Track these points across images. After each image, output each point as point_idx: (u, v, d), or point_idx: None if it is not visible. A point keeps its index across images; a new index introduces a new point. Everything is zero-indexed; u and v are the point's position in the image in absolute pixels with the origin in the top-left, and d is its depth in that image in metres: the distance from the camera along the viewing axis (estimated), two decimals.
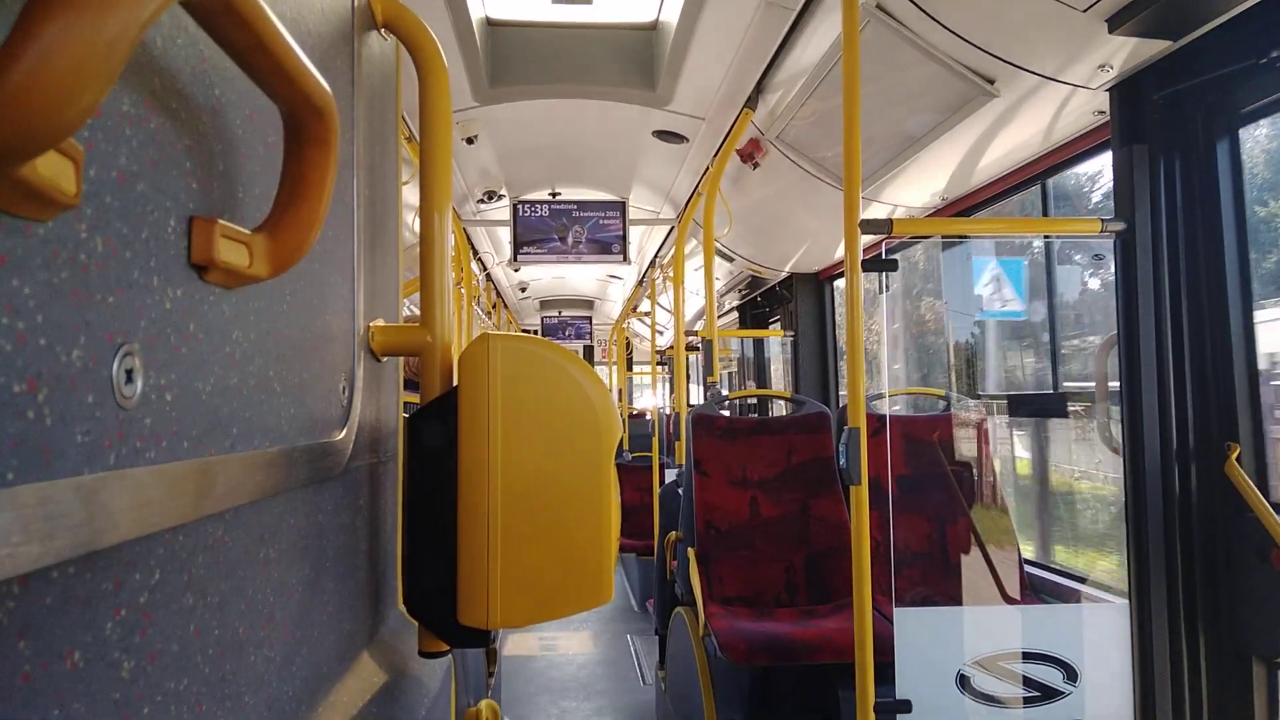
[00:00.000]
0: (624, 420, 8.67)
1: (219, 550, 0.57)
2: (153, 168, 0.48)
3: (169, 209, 0.50)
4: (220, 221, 0.54)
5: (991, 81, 2.26)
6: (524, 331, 10.39)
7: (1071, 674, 2.07)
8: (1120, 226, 1.97)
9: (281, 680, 0.69)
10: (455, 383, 0.91)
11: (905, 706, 2.03)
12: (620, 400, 9.57)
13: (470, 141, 3.77)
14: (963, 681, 2.07)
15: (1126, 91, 2.01)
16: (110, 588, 0.44)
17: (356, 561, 0.95)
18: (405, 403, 1.24)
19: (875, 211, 3.36)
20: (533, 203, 4.70)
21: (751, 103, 3.16)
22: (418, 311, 1.06)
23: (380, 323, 1.03)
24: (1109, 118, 2.08)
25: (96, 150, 0.43)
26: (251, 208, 0.62)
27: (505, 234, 4.99)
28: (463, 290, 4.71)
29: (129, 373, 0.45)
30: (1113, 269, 2.04)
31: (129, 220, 0.46)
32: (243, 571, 0.61)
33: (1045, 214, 2.78)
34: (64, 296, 0.40)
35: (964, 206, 3.13)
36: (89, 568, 0.42)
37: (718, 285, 5.87)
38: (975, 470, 3.09)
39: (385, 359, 1.06)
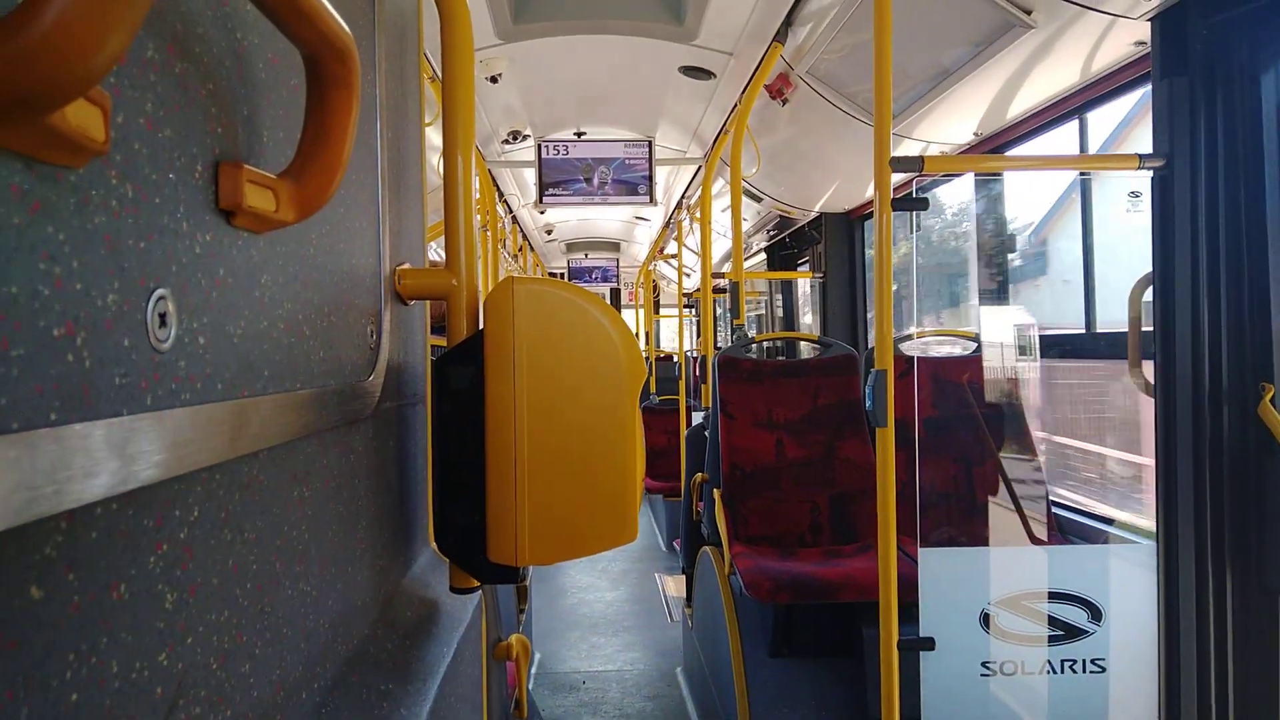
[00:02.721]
0: (651, 363, 8.69)
1: (254, 488, 0.58)
2: (179, 113, 0.49)
3: (195, 154, 0.51)
4: (246, 166, 0.54)
5: (1029, 11, 2.19)
6: (550, 274, 10.39)
7: (1096, 614, 2.09)
8: (1158, 163, 1.92)
9: (317, 613, 0.71)
10: (481, 326, 0.91)
11: (929, 644, 2.06)
12: (647, 343, 9.58)
13: (494, 80, 3.73)
14: (986, 620, 2.09)
15: (1169, 21, 1.93)
16: (151, 524, 0.45)
17: (388, 500, 0.97)
18: (432, 346, 1.26)
19: (908, 149, 3.29)
20: (558, 142, 4.65)
21: (781, 36, 3.08)
22: (444, 255, 1.06)
23: (407, 266, 1.03)
24: (1149, 49, 2.01)
25: (123, 97, 0.43)
26: (276, 152, 0.63)
27: (531, 175, 4.96)
28: (488, 233, 4.71)
29: (162, 316, 0.46)
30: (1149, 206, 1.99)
31: (157, 166, 0.46)
32: (278, 509, 0.63)
33: (1082, 150, 2.71)
34: (97, 242, 0.40)
35: (999, 143, 3.06)
36: (131, 504, 0.43)
37: (745, 226, 5.81)
38: (1005, 411, 3.07)
39: (412, 302, 1.07)
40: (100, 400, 0.40)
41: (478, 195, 4.63)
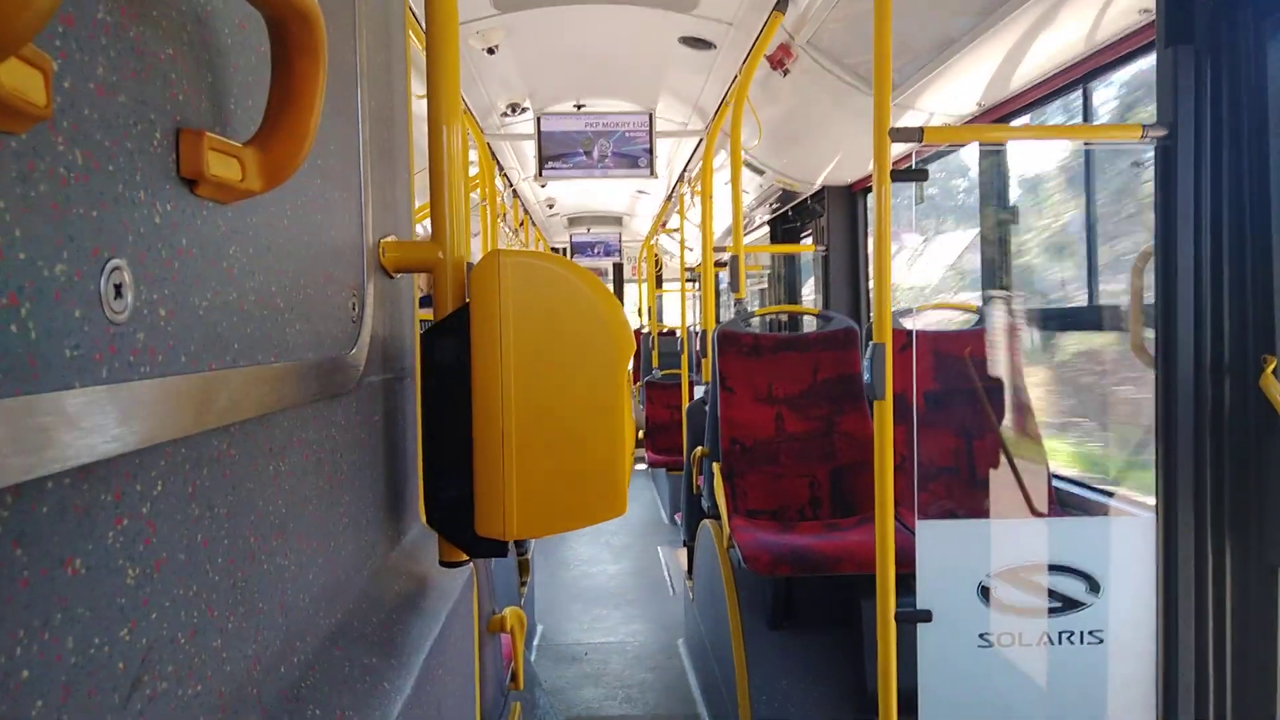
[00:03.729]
0: (653, 338, 8.68)
1: (224, 463, 0.58)
2: (134, 78, 0.47)
3: (154, 121, 0.49)
4: (209, 134, 0.53)
5: None
6: (553, 249, 10.35)
7: (1094, 586, 2.09)
8: (1162, 133, 1.89)
9: (297, 588, 0.71)
10: (467, 299, 0.90)
11: (925, 616, 2.06)
12: (650, 318, 9.56)
13: (491, 52, 3.69)
14: (984, 592, 2.10)
15: None
16: (110, 498, 0.44)
17: (374, 475, 0.97)
18: (422, 320, 1.25)
19: (911, 119, 3.26)
20: (557, 115, 4.61)
21: (781, 5, 3.04)
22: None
23: (392, 239, 1.02)
24: (1154, 17, 1.98)
25: (70, 60, 0.42)
26: (244, 120, 0.61)
27: (530, 148, 4.92)
28: (487, 207, 4.68)
29: (118, 287, 0.45)
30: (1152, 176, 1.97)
31: (110, 132, 0.45)
32: (251, 484, 0.62)
33: (1086, 119, 2.67)
34: (43, 210, 0.39)
35: (1002, 113, 3.02)
36: (86, 478, 0.42)
37: (748, 199, 5.77)
38: (1006, 385, 3.06)
39: (398, 275, 1.06)
40: (49, 372, 0.39)
41: (476, 169, 4.61)
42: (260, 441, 0.64)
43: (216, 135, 0.54)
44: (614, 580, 5.58)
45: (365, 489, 0.93)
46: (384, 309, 1.00)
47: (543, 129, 4.57)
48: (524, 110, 4.73)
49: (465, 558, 1.01)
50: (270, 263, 0.66)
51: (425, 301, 1.38)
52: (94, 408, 0.41)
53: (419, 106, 1.30)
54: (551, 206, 8.60)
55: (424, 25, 0.98)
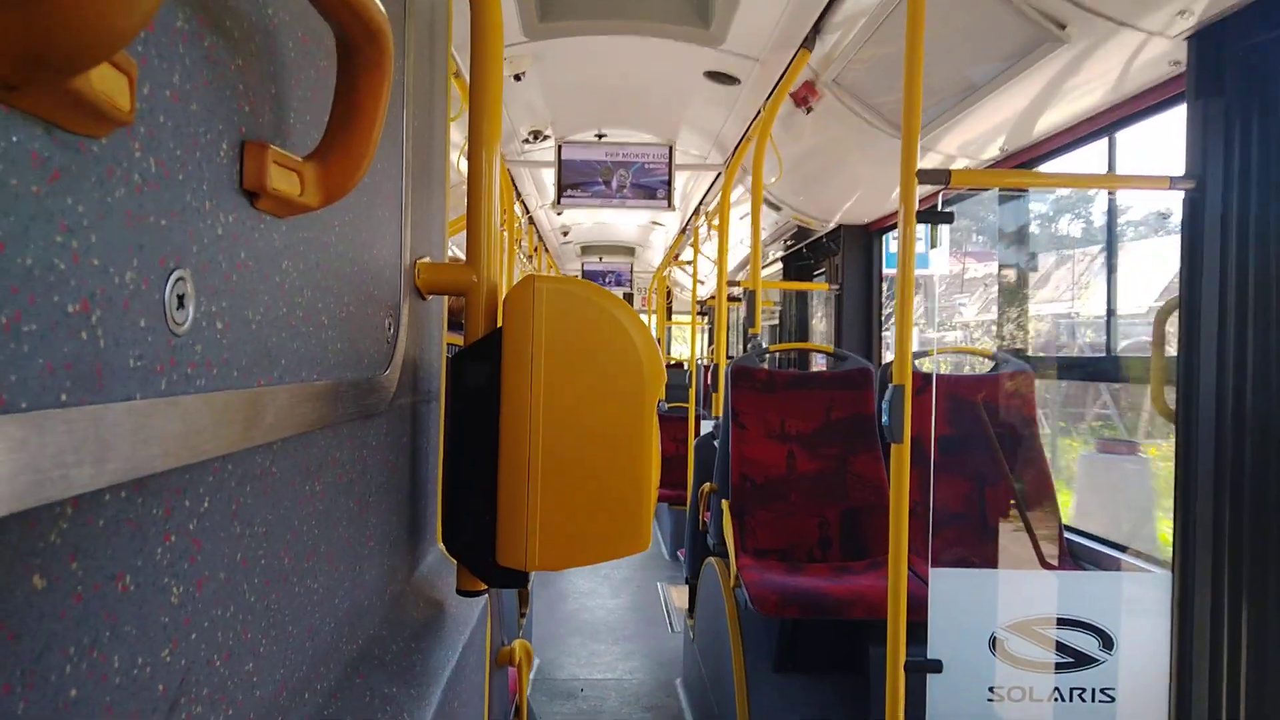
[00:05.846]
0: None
1: (266, 480, 0.57)
2: (206, 88, 0.47)
3: (221, 131, 0.49)
4: (272, 147, 0.53)
5: (1063, 26, 2.16)
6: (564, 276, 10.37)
7: (1107, 642, 2.05)
8: (1190, 184, 1.89)
9: (324, 611, 0.69)
10: (499, 324, 0.89)
11: (936, 666, 2.02)
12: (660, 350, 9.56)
13: (518, 79, 3.72)
14: (995, 644, 2.06)
15: (1205, 40, 1.90)
16: (160, 513, 0.43)
17: (399, 499, 0.95)
18: (448, 343, 1.24)
19: (931, 161, 3.26)
20: (578, 143, 4.64)
21: (809, 43, 3.06)
22: (459, 252, 1.04)
23: (427, 260, 1.02)
24: (1184, 68, 1.98)
25: (150, 66, 0.41)
26: (302, 134, 0.61)
27: (549, 175, 4.95)
28: (504, 232, 4.70)
29: (181, 298, 0.44)
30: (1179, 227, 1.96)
31: (182, 141, 0.44)
32: (289, 503, 0.61)
33: (1111, 169, 2.68)
34: (117, 217, 0.39)
35: (1024, 159, 3.03)
36: (140, 492, 0.41)
37: (763, 235, 5.78)
38: (1020, 433, 3.04)
39: (430, 297, 1.06)
40: (114, 382, 0.38)
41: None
42: (299, 460, 0.63)
43: (278, 148, 0.54)
44: (613, 615, 5.51)
45: (390, 512, 0.91)
46: (416, 330, 0.99)
47: (563, 157, 4.60)
48: (545, 138, 4.76)
49: (483, 587, 0.99)
50: (318, 279, 0.65)
51: (451, 324, 1.37)
52: (153, 420, 0.40)
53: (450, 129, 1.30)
54: (566, 234, 8.64)
55: (456, 54, 0.98)
